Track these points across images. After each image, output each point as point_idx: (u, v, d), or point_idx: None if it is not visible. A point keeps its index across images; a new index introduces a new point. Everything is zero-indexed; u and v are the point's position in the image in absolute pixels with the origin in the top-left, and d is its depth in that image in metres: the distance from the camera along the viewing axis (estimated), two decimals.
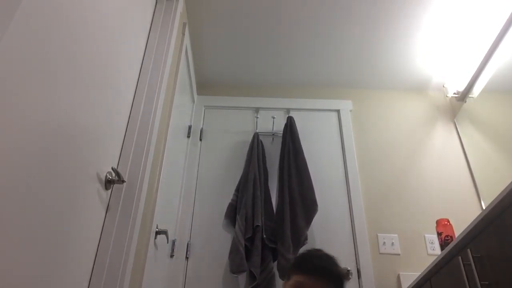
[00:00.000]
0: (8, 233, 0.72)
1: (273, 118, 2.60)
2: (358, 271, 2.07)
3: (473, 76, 2.37)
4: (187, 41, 2.17)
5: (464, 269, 1.24)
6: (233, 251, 1.98)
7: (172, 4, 1.80)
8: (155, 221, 1.57)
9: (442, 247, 1.81)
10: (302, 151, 2.30)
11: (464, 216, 2.21)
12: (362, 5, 2.15)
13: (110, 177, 1.22)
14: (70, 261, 0.98)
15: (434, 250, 2.13)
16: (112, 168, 1.20)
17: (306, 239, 2.04)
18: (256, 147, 2.33)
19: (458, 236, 1.29)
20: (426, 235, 2.18)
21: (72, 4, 0.93)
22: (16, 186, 0.74)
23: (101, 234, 1.20)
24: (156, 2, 1.78)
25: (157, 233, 1.62)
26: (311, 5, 2.16)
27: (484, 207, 2.18)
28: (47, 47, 0.82)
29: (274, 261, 2.02)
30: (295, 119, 2.49)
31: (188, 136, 2.50)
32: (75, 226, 1.01)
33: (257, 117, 2.65)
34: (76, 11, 0.96)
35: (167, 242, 1.91)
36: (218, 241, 2.17)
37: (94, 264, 1.15)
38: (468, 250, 1.21)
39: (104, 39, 1.14)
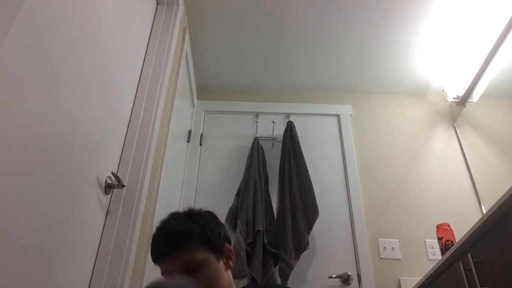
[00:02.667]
0: (8, 237, 0.72)
1: (273, 122, 2.60)
2: (359, 276, 2.06)
3: (472, 81, 2.37)
4: (187, 46, 2.18)
5: (465, 274, 1.23)
6: (235, 255, 1.97)
7: (172, 9, 1.81)
8: (155, 225, 1.56)
9: (443, 252, 1.80)
10: (302, 155, 2.30)
11: (464, 220, 2.20)
12: (362, 10, 2.16)
13: (110, 182, 1.22)
14: (70, 265, 0.98)
15: (434, 255, 2.12)
16: (112, 173, 1.20)
17: (307, 244, 2.03)
18: (256, 152, 2.33)
19: (459, 241, 1.28)
20: (426, 240, 2.17)
21: (73, 9, 0.94)
22: (16, 190, 0.73)
23: (100, 239, 1.20)
24: (156, 7, 1.79)
25: None
26: (311, 10, 2.17)
27: (484, 212, 2.18)
28: (47, 51, 0.83)
29: (275, 266, 2.01)
30: (295, 123, 2.49)
31: (188, 141, 2.50)
32: (75, 230, 1.01)
33: (257, 122, 2.65)
34: (77, 16, 0.96)
35: None
36: None
37: (93, 269, 1.14)
38: (469, 255, 1.21)
39: (104, 43, 1.14)
